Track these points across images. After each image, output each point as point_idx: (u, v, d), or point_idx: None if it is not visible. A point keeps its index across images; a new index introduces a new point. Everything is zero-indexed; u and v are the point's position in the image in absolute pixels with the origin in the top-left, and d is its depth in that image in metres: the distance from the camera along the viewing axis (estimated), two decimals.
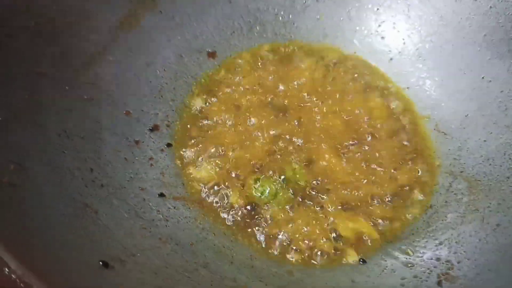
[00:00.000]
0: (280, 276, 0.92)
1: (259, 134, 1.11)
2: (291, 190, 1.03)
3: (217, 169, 1.06)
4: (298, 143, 1.10)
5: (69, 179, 0.86)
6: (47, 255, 0.71)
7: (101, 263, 0.74)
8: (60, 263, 0.71)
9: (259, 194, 1.02)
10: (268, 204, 1.01)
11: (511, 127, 1.04)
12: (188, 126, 1.13)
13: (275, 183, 1.04)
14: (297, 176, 1.05)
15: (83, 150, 0.93)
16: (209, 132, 1.12)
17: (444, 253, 0.93)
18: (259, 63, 1.24)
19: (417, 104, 1.19)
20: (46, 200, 0.79)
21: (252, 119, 1.13)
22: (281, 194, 1.03)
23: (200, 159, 1.07)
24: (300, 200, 1.02)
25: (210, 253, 0.92)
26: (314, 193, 1.03)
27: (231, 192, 1.03)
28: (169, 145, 1.08)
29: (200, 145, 1.09)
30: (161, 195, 0.99)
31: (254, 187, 1.03)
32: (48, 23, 0.97)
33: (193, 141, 1.10)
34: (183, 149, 1.09)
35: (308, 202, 1.02)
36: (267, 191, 1.02)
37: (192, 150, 1.09)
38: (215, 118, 1.14)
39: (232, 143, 1.10)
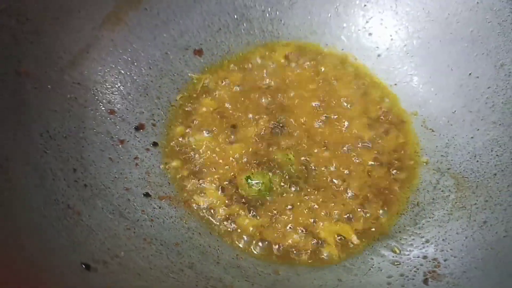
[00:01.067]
0: (266, 276, 0.91)
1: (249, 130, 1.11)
2: (286, 176, 1.05)
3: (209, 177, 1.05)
4: (287, 142, 1.10)
5: (51, 180, 0.85)
6: (27, 257, 0.70)
7: (83, 265, 0.73)
8: (40, 266, 0.70)
9: (259, 188, 1.02)
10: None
11: (498, 123, 1.03)
12: (174, 126, 1.12)
13: (266, 176, 1.04)
14: (289, 166, 1.05)
15: (66, 150, 0.92)
16: (197, 133, 1.11)
17: (431, 251, 0.93)
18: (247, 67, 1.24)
19: (404, 101, 1.19)
20: (27, 201, 0.78)
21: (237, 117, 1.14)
22: (274, 183, 1.03)
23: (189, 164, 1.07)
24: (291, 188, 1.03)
25: (195, 253, 0.91)
26: (300, 184, 1.04)
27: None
28: (154, 144, 1.07)
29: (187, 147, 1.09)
30: (146, 195, 0.98)
31: (250, 184, 1.02)
32: (30, 21, 0.96)
33: (180, 140, 1.10)
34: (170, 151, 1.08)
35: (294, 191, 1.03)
36: (262, 186, 1.02)
37: (179, 153, 1.08)
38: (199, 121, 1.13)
39: (221, 143, 1.09)
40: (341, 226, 0.99)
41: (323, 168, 1.06)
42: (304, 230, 0.98)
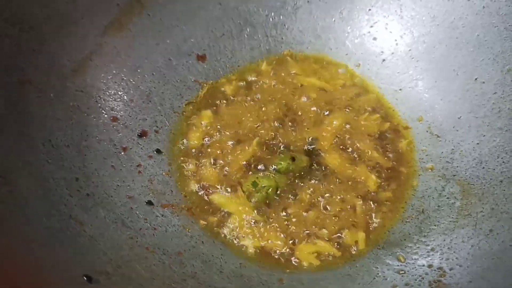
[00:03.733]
0: (270, 285, 0.91)
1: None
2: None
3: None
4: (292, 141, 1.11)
5: (54, 190, 0.85)
6: (29, 270, 0.69)
7: (84, 278, 0.73)
8: (42, 278, 0.70)
9: (266, 191, 1.02)
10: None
11: (504, 129, 1.02)
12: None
13: (270, 178, 1.03)
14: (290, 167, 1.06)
15: (69, 159, 0.92)
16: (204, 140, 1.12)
17: (436, 259, 0.92)
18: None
19: (409, 106, 1.17)
20: (29, 212, 0.78)
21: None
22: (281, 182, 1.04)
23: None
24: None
25: (198, 262, 0.91)
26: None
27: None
28: (158, 151, 1.07)
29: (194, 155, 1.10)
30: (149, 203, 0.98)
31: (257, 189, 1.02)
32: (32, 29, 0.95)
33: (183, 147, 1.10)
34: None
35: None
36: (270, 189, 1.02)
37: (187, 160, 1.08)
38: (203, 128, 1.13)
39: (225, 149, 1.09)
40: (318, 247, 0.98)
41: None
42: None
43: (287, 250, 0.97)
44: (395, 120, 1.16)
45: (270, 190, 1.02)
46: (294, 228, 0.99)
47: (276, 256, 0.97)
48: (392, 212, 1.03)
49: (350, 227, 1.00)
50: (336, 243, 0.98)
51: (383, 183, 1.06)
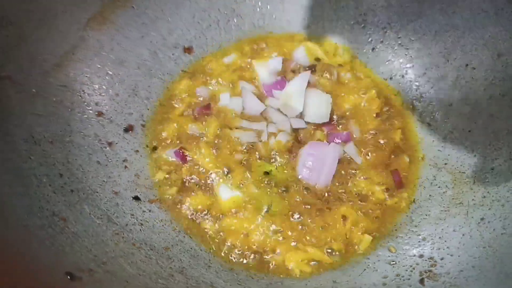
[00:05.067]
0: (259, 278, 0.90)
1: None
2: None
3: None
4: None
5: (36, 187, 0.83)
6: (8, 270, 0.68)
7: (68, 277, 0.71)
8: (22, 278, 0.68)
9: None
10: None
11: (495, 116, 1.01)
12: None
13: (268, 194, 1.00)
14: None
15: (52, 155, 0.90)
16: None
17: (427, 249, 0.91)
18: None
19: (400, 94, 1.16)
20: (10, 211, 0.76)
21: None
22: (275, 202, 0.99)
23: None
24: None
25: (186, 257, 0.90)
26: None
27: None
28: (145, 145, 1.05)
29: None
30: (136, 198, 0.96)
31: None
32: (13, 25, 0.93)
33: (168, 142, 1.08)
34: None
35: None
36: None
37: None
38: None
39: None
40: (310, 255, 0.93)
41: None
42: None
43: (278, 258, 0.94)
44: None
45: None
46: (285, 237, 0.96)
47: (268, 264, 0.94)
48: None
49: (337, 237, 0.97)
50: (327, 250, 0.95)
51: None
